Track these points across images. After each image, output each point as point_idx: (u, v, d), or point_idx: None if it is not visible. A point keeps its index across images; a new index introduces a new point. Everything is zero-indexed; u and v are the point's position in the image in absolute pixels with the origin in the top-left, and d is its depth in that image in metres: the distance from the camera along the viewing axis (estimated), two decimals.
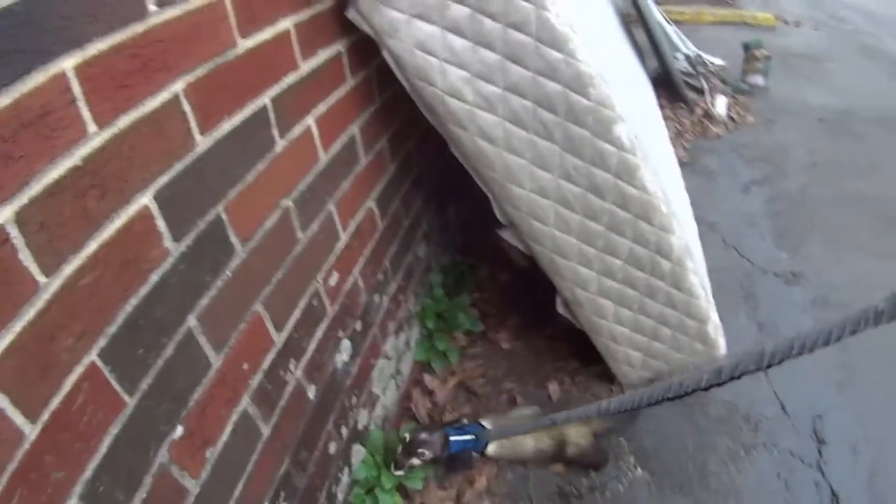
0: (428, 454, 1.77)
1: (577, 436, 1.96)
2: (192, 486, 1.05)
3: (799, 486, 2.02)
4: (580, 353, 2.33)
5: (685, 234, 1.89)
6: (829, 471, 2.06)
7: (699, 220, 3.04)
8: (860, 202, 3.69)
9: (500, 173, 1.69)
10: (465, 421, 1.95)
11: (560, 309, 2.06)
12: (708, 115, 4.71)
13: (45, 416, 0.76)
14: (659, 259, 1.85)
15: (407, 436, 1.79)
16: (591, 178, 1.69)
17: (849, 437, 2.18)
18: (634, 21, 5.38)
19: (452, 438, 1.83)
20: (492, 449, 1.91)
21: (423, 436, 1.78)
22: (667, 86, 4.84)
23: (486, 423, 1.92)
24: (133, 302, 0.90)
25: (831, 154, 4.28)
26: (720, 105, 4.81)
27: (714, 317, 2.08)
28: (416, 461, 1.77)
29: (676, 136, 4.34)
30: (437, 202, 2.53)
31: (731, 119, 4.73)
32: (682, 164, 3.87)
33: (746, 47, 5.27)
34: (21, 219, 0.71)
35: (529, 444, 1.96)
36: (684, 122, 4.59)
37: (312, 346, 1.47)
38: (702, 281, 1.99)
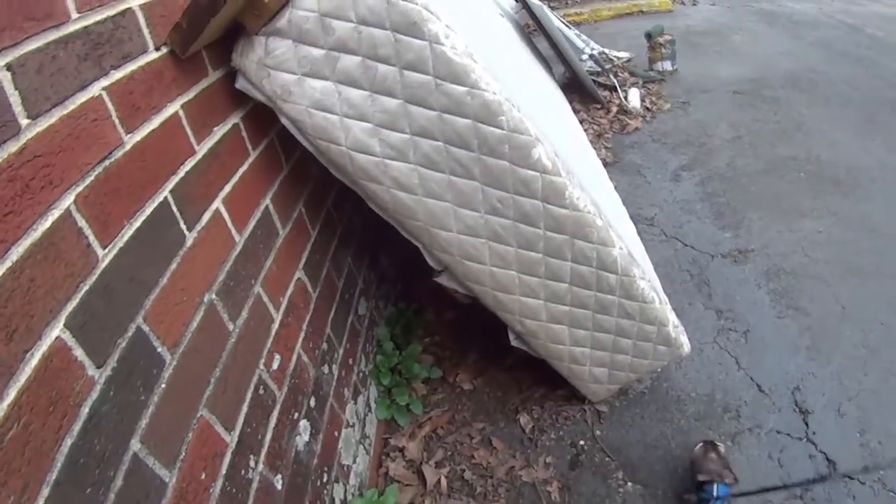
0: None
1: None
2: None
3: (793, 461, 2.09)
4: (545, 378, 2.38)
5: (625, 241, 1.95)
6: (820, 439, 2.14)
7: (635, 217, 3.15)
8: (790, 166, 3.90)
9: (424, 220, 1.71)
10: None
11: (514, 343, 2.10)
12: (623, 109, 4.91)
13: None
14: (604, 274, 1.90)
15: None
16: (519, 207, 1.71)
17: (831, 400, 2.28)
18: (535, 31, 5.60)
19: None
20: None
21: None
22: (578, 89, 5.04)
23: None
24: (68, 442, 0.89)
25: (752, 124, 4.54)
26: (634, 97, 5.03)
27: (672, 317, 2.14)
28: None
29: (597, 138, 4.52)
30: (369, 254, 2.56)
31: (647, 109, 4.95)
32: (607, 165, 4.02)
33: (649, 36, 5.56)
34: None
35: None
36: (602, 122, 4.78)
37: (269, 436, 1.47)
38: (652, 284, 2.06)
